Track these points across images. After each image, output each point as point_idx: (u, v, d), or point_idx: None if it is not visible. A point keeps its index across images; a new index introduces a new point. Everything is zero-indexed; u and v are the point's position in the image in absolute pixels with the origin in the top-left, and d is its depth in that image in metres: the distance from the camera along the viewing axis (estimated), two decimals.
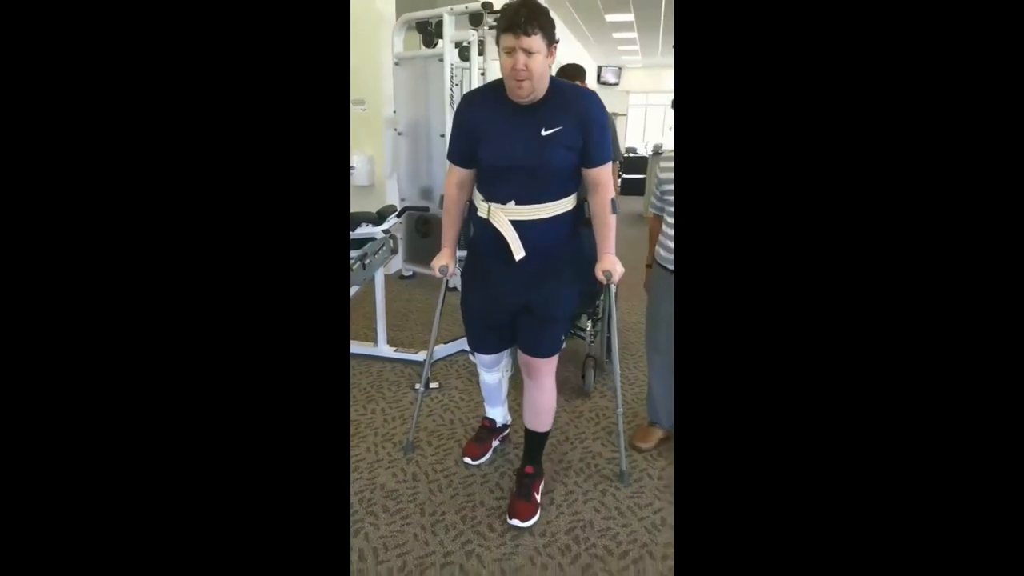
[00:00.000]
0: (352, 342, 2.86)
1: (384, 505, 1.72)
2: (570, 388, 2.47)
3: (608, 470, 1.92)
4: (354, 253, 2.54)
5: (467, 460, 1.96)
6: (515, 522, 1.64)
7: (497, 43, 1.44)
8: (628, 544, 1.59)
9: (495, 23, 1.59)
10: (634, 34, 9.58)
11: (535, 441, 1.78)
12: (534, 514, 1.67)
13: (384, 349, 2.77)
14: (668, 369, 1.91)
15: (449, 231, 1.75)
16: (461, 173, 1.65)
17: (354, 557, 1.51)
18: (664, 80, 13.88)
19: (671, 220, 1.85)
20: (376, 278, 2.68)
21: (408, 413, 2.26)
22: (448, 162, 1.67)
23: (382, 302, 2.75)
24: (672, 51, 10.66)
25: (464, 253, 1.77)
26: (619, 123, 9.41)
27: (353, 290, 2.76)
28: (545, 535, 1.62)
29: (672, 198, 1.82)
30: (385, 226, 2.61)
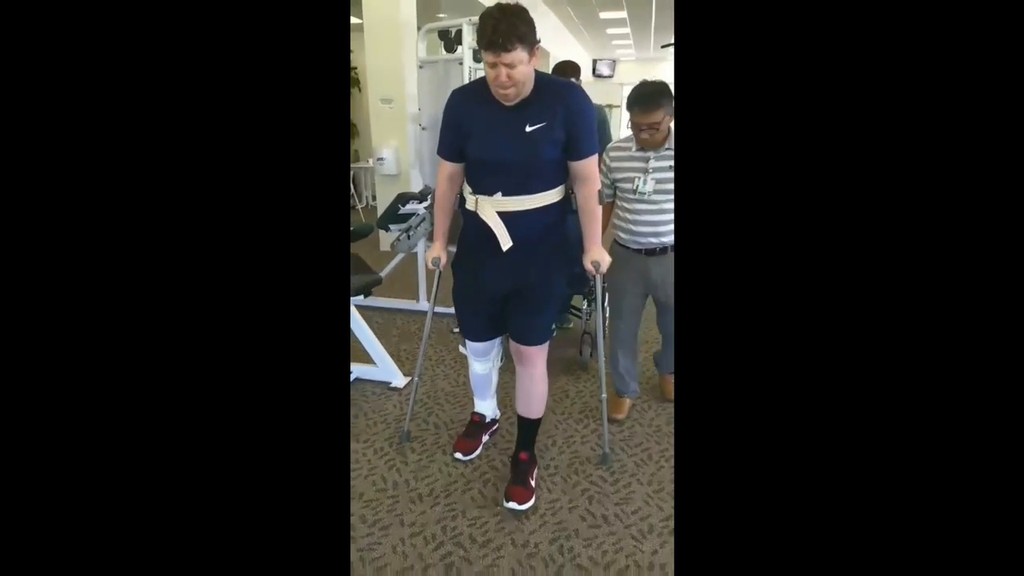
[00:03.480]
0: (400, 300, 3.49)
1: (446, 399, 2.38)
2: (569, 361, 2.85)
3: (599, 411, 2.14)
4: (401, 226, 3.16)
5: (457, 455, 1.93)
6: (512, 505, 1.67)
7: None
8: (623, 467, 2.07)
9: None
10: (627, 30, 10.14)
11: (528, 428, 1.82)
12: (530, 498, 1.72)
13: (424, 305, 3.40)
14: (630, 333, 2.14)
15: (440, 224, 1.80)
16: (451, 168, 1.69)
17: (430, 427, 2.15)
18: (656, 73, 14.45)
19: (624, 204, 2.00)
20: (419, 247, 3.29)
21: (452, 346, 2.89)
22: (439, 158, 1.70)
23: (423, 267, 3.37)
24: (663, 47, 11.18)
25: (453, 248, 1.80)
26: (614, 114, 10.00)
27: (399, 257, 3.39)
28: (554, 461, 2.25)
29: (623, 184, 1.97)
30: (426, 204, 3.22)
